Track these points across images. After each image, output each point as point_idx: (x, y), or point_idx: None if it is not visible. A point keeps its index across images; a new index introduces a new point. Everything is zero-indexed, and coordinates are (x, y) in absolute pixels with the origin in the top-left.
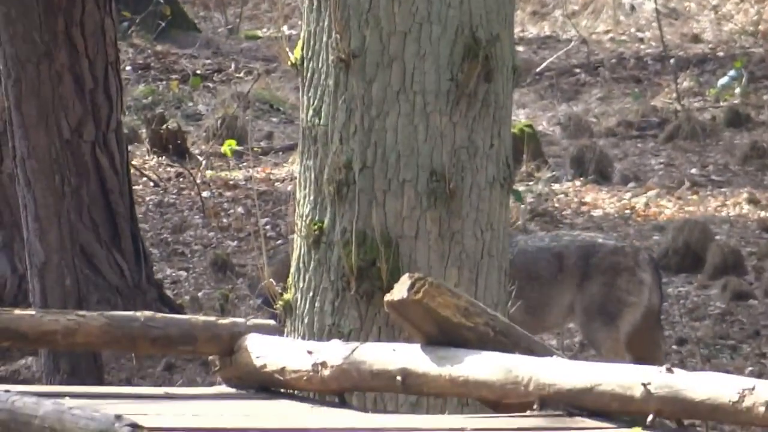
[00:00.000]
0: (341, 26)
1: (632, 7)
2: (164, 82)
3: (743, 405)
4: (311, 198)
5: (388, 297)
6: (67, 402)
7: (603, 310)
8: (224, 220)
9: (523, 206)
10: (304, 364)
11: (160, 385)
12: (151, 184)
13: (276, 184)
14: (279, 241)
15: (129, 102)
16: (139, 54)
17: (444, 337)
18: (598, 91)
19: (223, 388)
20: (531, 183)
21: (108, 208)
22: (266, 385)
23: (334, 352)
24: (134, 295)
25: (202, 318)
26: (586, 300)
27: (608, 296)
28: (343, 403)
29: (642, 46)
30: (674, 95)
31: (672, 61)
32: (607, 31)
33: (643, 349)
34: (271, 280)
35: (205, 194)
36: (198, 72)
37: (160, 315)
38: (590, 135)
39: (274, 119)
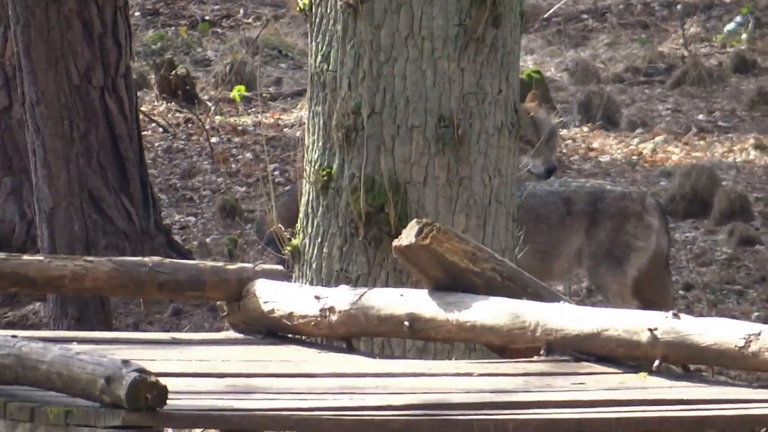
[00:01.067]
0: None
1: None
2: (173, 28)
3: (749, 350)
4: (320, 144)
5: (396, 242)
6: (75, 347)
7: (610, 254)
8: (233, 166)
9: None
10: (312, 310)
11: (167, 331)
12: (160, 129)
13: (285, 129)
14: (287, 187)
15: (138, 48)
16: None
17: (451, 282)
18: (605, 37)
19: (231, 334)
20: None
21: (117, 153)
22: (274, 331)
23: (341, 298)
24: (142, 240)
25: (210, 263)
26: (594, 245)
27: (616, 241)
28: (351, 349)
29: None
30: (681, 41)
31: (679, 6)
32: None
33: (652, 293)
34: (280, 225)
35: (213, 140)
36: (207, 18)
37: (168, 260)
38: (598, 81)
39: (283, 65)
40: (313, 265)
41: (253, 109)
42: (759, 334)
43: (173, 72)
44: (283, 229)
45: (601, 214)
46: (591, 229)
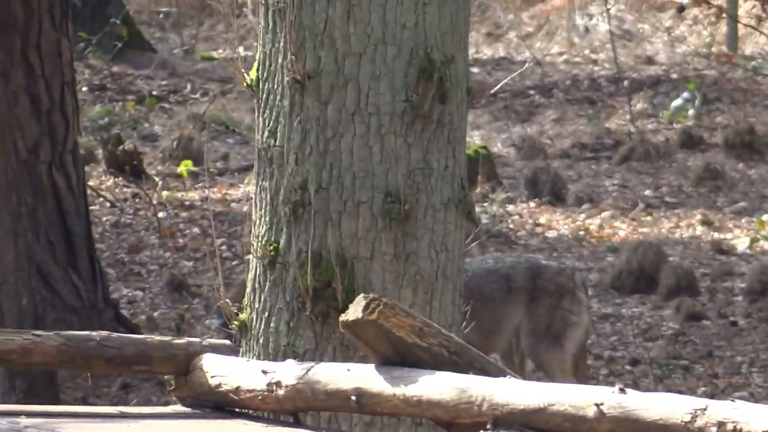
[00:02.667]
0: (296, 47)
1: (586, 29)
2: (120, 103)
3: (695, 425)
4: (267, 219)
5: (343, 317)
6: (23, 421)
7: (549, 331)
8: (180, 241)
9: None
10: (259, 384)
11: (115, 405)
12: (108, 204)
13: (232, 204)
14: (234, 262)
15: (85, 123)
16: (96, 75)
17: (398, 357)
18: (552, 112)
19: (179, 408)
20: (486, 204)
21: (64, 228)
22: (221, 405)
23: (288, 372)
24: (90, 314)
25: (157, 338)
26: (533, 321)
27: (554, 317)
28: (298, 423)
29: (596, 68)
30: (628, 117)
31: (626, 82)
32: (562, 53)
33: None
34: (227, 300)
35: (161, 214)
36: (154, 93)
37: (115, 335)
38: (544, 156)
39: (230, 140)
40: (260, 340)
41: (200, 184)
42: (705, 409)
43: (120, 147)
44: (230, 304)
45: (539, 291)
46: (531, 305)
